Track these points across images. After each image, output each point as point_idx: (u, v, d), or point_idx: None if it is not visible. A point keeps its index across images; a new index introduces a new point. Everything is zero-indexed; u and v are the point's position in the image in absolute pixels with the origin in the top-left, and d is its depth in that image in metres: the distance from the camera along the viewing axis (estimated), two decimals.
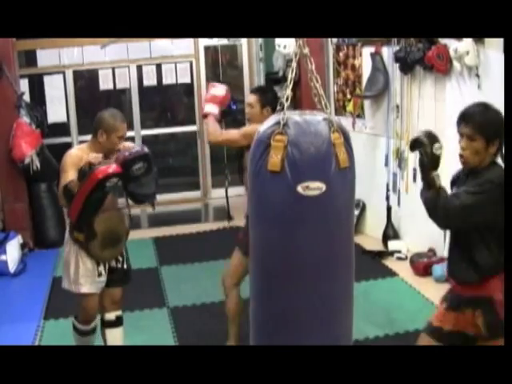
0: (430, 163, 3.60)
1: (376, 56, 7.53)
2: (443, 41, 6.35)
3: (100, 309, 4.79)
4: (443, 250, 6.78)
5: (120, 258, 4.79)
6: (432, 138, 3.62)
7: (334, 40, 8.40)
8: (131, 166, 4.26)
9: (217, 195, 9.76)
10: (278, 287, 3.30)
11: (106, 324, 4.83)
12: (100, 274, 4.63)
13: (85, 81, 9.95)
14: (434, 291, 6.18)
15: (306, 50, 3.48)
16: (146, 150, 4.39)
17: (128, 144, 4.70)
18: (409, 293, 6.27)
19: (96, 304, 4.70)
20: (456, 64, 6.18)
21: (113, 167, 4.20)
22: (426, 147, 3.59)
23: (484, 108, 3.72)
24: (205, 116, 4.97)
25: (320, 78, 3.50)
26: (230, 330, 4.99)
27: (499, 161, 3.68)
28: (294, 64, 3.45)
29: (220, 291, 5.14)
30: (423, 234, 7.10)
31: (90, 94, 9.74)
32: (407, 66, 6.98)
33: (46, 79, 9.49)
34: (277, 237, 3.25)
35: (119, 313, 4.86)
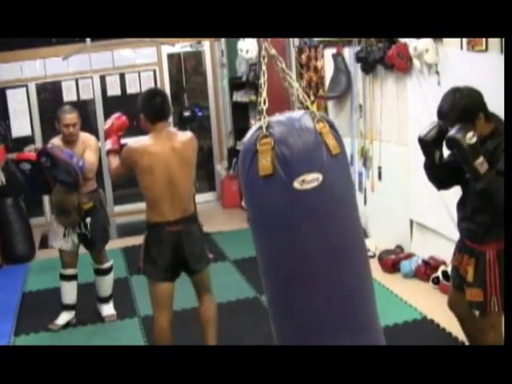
0: (469, 155, 3.73)
1: (338, 57, 7.57)
2: (403, 40, 6.40)
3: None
4: (410, 246, 6.85)
5: (83, 226, 5.88)
6: (463, 130, 3.74)
7: (296, 42, 8.45)
8: (40, 158, 5.54)
9: None
10: (298, 292, 3.20)
11: (94, 271, 6.17)
12: (65, 235, 5.90)
13: (48, 93, 9.92)
14: (402, 287, 6.25)
15: (273, 51, 3.47)
16: (48, 148, 5.57)
17: (54, 141, 5.87)
18: (378, 290, 6.15)
19: (69, 256, 5.97)
20: (416, 62, 6.23)
21: (27, 155, 5.70)
22: (460, 142, 3.72)
23: (451, 99, 3.92)
24: (107, 154, 4.98)
25: (283, 81, 3.51)
26: None
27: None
28: (263, 67, 3.42)
29: (191, 298, 5.10)
30: (390, 232, 7.17)
31: (53, 107, 9.63)
32: (368, 65, 7.03)
33: (9, 93, 9.45)
34: (283, 241, 3.17)
35: (100, 266, 6.12)
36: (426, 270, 6.30)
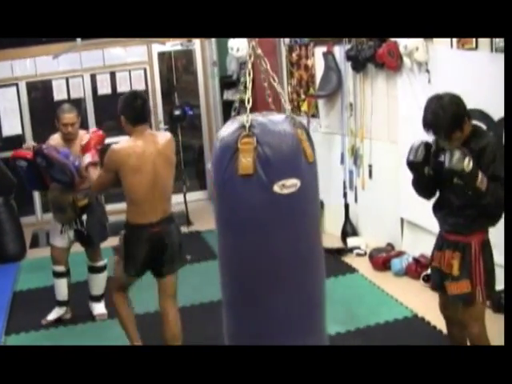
0: (471, 180, 3.82)
1: (328, 55, 7.57)
2: (393, 38, 6.40)
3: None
4: (401, 244, 6.86)
5: (79, 223, 5.92)
6: (457, 158, 3.78)
7: (287, 41, 8.45)
8: (36, 158, 5.56)
9: (175, 201, 9.65)
10: (263, 292, 3.27)
11: (88, 268, 6.20)
12: (61, 232, 5.94)
13: (39, 92, 9.88)
14: (393, 285, 6.27)
15: (259, 51, 3.50)
16: (44, 149, 5.55)
17: (54, 138, 5.95)
18: (369, 288, 6.32)
19: (59, 254, 6.01)
20: (406, 60, 6.25)
21: (25, 153, 5.67)
22: (460, 173, 3.80)
23: (438, 109, 3.93)
24: (86, 168, 5.06)
25: (264, 80, 3.55)
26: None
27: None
28: (249, 66, 3.46)
29: (182, 297, 5.12)
30: (381, 229, 7.17)
31: (44, 105, 9.64)
32: (359, 64, 7.04)
33: None
34: (256, 241, 3.22)
35: (95, 264, 6.15)
36: (417, 268, 6.32)
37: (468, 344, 4.34)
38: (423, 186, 4.28)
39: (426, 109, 4.01)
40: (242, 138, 3.13)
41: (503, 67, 4.99)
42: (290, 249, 3.25)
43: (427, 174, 4.16)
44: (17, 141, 9.29)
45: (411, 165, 4.17)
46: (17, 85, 9.46)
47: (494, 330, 4.60)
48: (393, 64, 6.48)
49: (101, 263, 6.18)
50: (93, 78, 9.67)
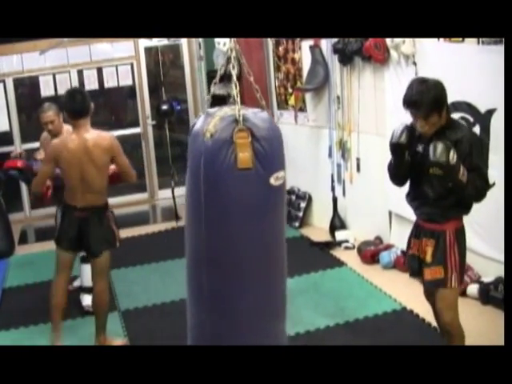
0: (454, 173, 3.87)
1: (315, 49, 7.57)
2: None
3: None
4: (389, 238, 6.88)
5: None
6: (443, 151, 3.83)
7: None
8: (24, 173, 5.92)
9: (164, 196, 9.77)
10: (259, 276, 3.40)
11: (80, 258, 6.11)
12: None
13: (26, 88, 9.83)
14: (381, 278, 6.29)
15: (237, 46, 3.55)
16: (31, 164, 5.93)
17: (43, 135, 6.31)
18: (357, 281, 6.34)
19: None
20: (393, 53, 6.27)
21: (14, 164, 5.84)
22: (445, 166, 3.84)
23: (422, 89, 3.98)
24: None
25: (261, 73, 3.60)
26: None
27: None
28: (232, 60, 3.49)
29: (171, 291, 5.12)
30: (369, 223, 7.19)
31: (31, 102, 9.60)
32: (346, 57, 7.05)
33: None
34: (249, 229, 3.33)
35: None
36: (405, 261, 6.32)
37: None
38: (402, 171, 4.30)
39: (409, 87, 4.07)
40: (236, 132, 3.18)
41: (490, 59, 5.05)
42: (278, 236, 3.45)
43: (407, 158, 4.20)
44: (4, 137, 9.29)
45: (395, 147, 4.19)
46: (4, 81, 9.42)
47: (482, 321, 4.64)
48: (380, 57, 6.50)
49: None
50: (80, 73, 9.63)
